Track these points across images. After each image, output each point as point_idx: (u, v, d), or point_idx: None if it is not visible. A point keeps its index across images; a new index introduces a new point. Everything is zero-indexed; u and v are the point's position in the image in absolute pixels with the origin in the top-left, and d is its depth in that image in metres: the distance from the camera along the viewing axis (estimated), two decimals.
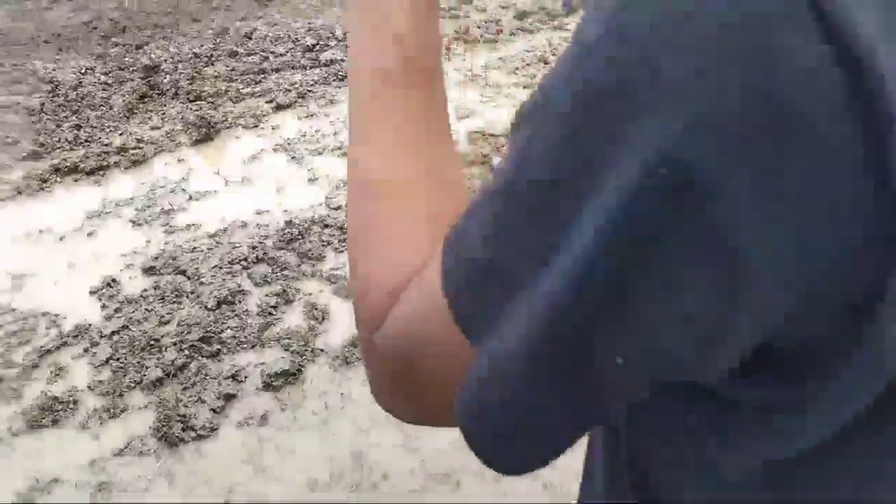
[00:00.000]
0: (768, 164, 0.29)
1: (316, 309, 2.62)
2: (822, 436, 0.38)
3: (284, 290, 2.70)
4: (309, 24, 5.04)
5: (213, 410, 2.27)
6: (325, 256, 2.86)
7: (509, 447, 0.42)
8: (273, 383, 2.35)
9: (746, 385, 0.37)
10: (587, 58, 0.33)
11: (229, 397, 2.31)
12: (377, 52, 0.52)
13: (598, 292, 0.34)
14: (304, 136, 3.73)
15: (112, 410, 2.28)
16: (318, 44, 4.76)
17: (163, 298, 2.72)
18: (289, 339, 2.51)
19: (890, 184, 0.29)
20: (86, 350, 2.52)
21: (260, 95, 4.15)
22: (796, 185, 0.30)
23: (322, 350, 2.47)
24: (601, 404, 0.39)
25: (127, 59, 4.89)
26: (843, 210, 0.30)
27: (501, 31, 4.92)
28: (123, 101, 4.31)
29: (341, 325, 2.55)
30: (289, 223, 3.05)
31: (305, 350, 2.46)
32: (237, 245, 2.94)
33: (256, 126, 3.85)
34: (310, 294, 2.70)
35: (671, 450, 0.46)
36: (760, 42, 0.29)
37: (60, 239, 3.13)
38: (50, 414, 2.27)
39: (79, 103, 4.36)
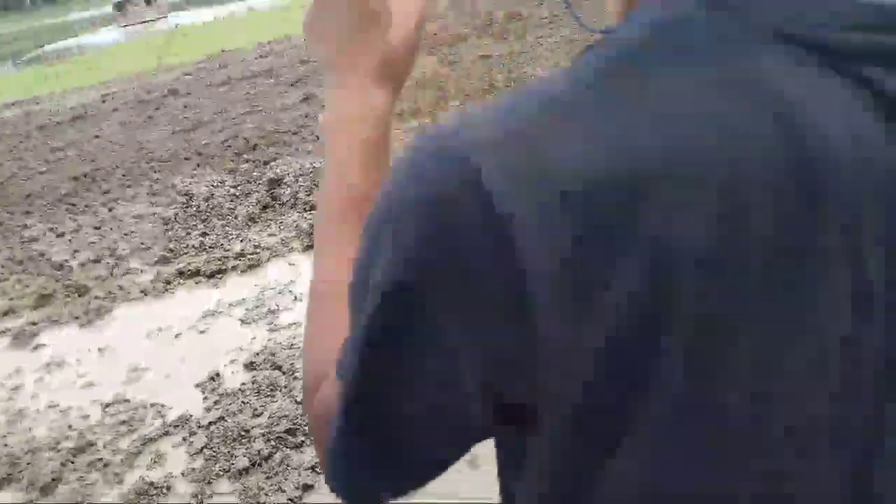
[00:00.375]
0: (453, 285, 0.41)
1: None
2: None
3: None
4: None
5: (291, 500, 2.37)
6: None
7: (352, 488, 0.53)
8: None
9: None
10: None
11: (307, 487, 2.41)
12: (333, 190, 0.64)
13: (373, 371, 0.46)
14: None
15: (199, 497, 2.43)
16: None
17: (258, 392, 2.90)
18: None
19: (528, 319, 0.40)
20: (184, 439, 2.71)
21: None
22: (474, 299, 0.41)
23: None
24: (420, 448, 0.49)
25: (255, 173, 5.34)
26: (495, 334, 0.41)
27: None
28: (247, 211, 4.69)
29: None
30: None
31: None
32: None
33: None
34: None
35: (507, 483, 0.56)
36: (447, 221, 0.41)
37: (176, 336, 3.41)
38: (145, 498, 2.45)
39: (208, 213, 4.78)
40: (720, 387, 0.41)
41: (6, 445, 2.80)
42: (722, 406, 0.41)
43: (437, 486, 0.56)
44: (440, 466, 0.52)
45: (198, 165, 5.78)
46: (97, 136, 7.23)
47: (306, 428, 2.65)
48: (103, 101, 8.85)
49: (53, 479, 2.57)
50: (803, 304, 0.40)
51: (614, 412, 0.42)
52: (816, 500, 0.45)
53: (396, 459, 0.50)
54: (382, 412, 0.47)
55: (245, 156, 5.78)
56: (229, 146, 6.09)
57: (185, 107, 7.81)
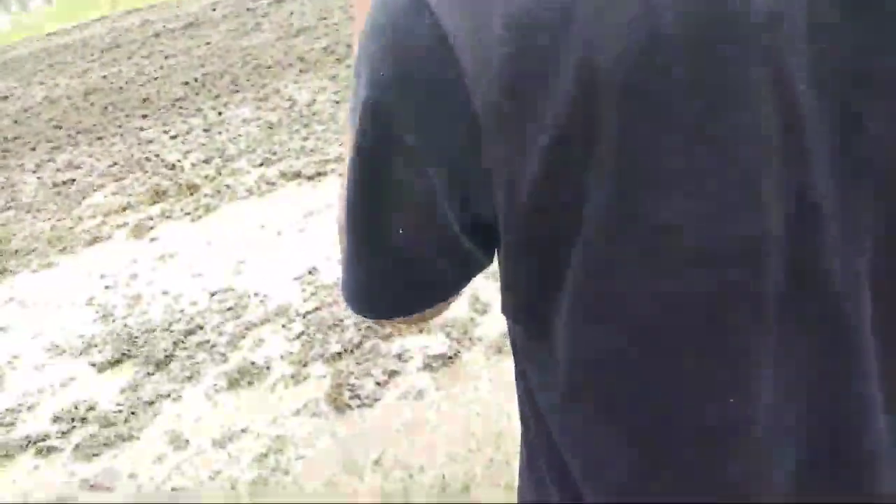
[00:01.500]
0: (415, 103, 0.47)
1: (479, 301, 2.81)
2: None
3: None
4: None
5: (378, 383, 2.53)
6: None
7: (366, 303, 0.60)
8: (432, 364, 2.57)
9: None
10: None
11: (393, 373, 2.56)
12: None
13: (361, 182, 0.52)
14: None
15: (296, 377, 2.62)
16: None
17: None
18: (451, 326, 2.72)
19: (477, 133, 0.46)
20: (283, 326, 2.91)
21: None
22: (429, 113, 0.47)
23: (479, 339, 2.65)
24: (416, 266, 0.56)
25: None
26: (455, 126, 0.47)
27: None
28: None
29: (500, 317, 2.72)
30: None
31: (464, 337, 2.66)
32: None
33: None
34: (476, 287, 2.90)
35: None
36: (402, 43, 0.47)
37: (278, 233, 3.60)
38: (247, 376, 2.66)
39: (310, 118, 4.92)
40: (647, 201, 0.45)
41: (126, 326, 3.07)
42: (650, 218, 0.45)
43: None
44: (438, 286, 0.58)
45: (301, 71, 5.91)
46: (207, 43, 7.45)
47: None
48: (213, 10, 9.07)
49: (166, 356, 2.82)
50: (726, 128, 0.43)
51: (559, 224, 0.47)
52: (745, 307, 0.49)
53: (398, 279, 0.57)
54: (379, 229, 0.53)
55: (346, 62, 5.87)
56: (331, 52, 6.18)
57: (291, 13, 7.92)
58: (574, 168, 0.45)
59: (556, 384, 0.57)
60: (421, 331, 2.74)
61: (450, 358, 2.59)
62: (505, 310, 0.58)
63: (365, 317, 0.61)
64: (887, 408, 0.56)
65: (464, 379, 2.50)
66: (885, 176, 0.46)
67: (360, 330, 2.77)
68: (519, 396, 0.68)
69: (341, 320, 2.85)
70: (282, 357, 2.74)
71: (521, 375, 0.65)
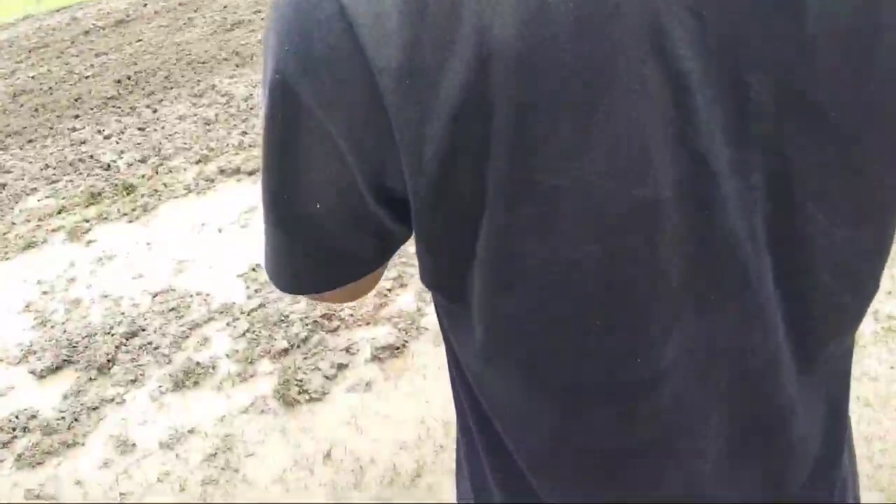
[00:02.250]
0: (318, 77, 0.48)
1: (426, 291, 2.82)
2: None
3: (400, 275, 2.93)
4: None
5: (326, 377, 2.52)
6: None
7: (289, 279, 0.61)
8: (380, 356, 2.57)
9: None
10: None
11: (341, 366, 2.56)
12: None
13: (273, 155, 0.53)
14: None
15: (243, 375, 2.60)
16: None
17: None
18: (399, 317, 2.73)
19: (382, 107, 0.47)
20: (228, 324, 2.88)
21: None
22: (333, 88, 0.48)
23: (426, 328, 2.66)
24: (335, 240, 0.57)
25: None
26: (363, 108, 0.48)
27: None
28: None
29: None
30: None
31: (412, 327, 2.67)
32: None
33: None
34: None
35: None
36: (303, 6, 0.48)
37: (219, 230, 3.55)
38: (193, 376, 2.63)
39: (248, 113, 4.85)
40: (541, 168, 0.47)
41: (65, 332, 3.00)
42: (544, 185, 0.47)
43: None
44: (359, 260, 0.59)
45: (237, 66, 5.82)
46: (139, 40, 7.28)
47: (341, 313, 2.79)
48: (144, 5, 8.86)
49: (108, 361, 2.77)
50: (614, 93, 0.45)
51: (465, 194, 0.49)
52: (642, 271, 0.51)
53: (319, 253, 0.58)
54: (296, 204, 0.54)
55: None
56: None
57: (224, 7, 7.79)
58: (474, 139, 0.46)
59: (476, 346, 0.59)
60: (368, 323, 2.75)
61: (397, 348, 2.59)
62: (423, 278, 0.59)
63: (289, 293, 0.62)
64: (794, 360, 0.59)
65: (412, 369, 2.51)
66: (770, 137, 0.48)
67: (306, 325, 2.76)
68: (448, 363, 0.69)
69: (287, 316, 2.84)
70: (227, 355, 2.71)
71: (446, 341, 0.67)
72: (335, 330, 2.74)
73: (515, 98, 0.45)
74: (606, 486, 0.63)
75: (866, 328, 2.32)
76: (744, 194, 0.50)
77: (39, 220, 3.98)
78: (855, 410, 2.06)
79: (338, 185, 0.52)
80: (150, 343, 2.84)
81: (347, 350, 2.63)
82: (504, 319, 0.55)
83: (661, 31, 0.44)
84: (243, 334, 2.80)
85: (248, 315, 2.90)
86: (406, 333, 2.65)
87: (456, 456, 0.78)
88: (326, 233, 0.56)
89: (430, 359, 2.53)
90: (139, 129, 4.97)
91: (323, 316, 2.79)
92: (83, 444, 2.44)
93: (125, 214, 3.85)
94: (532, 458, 0.64)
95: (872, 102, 0.48)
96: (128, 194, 4.06)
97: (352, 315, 2.78)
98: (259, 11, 7.28)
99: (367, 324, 2.75)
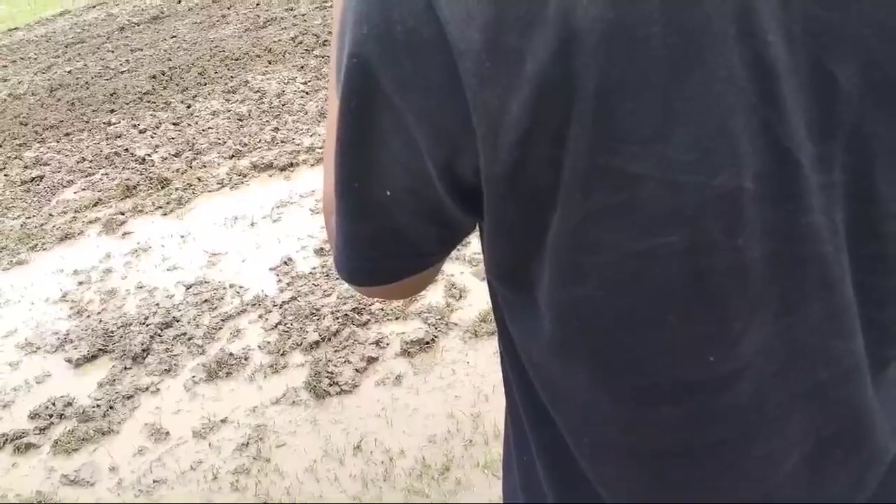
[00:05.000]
0: (397, 60, 0.48)
1: (455, 287, 2.84)
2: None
3: None
4: None
5: (357, 370, 2.55)
6: (469, 242, 3.08)
7: (353, 269, 0.61)
8: (409, 350, 2.59)
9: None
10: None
11: (371, 360, 2.59)
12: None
13: (347, 141, 0.53)
14: None
15: (275, 366, 2.64)
16: None
17: (327, 275, 3.06)
18: (428, 312, 2.75)
19: (460, 90, 0.46)
20: (260, 316, 2.91)
21: None
22: (413, 72, 0.48)
23: (456, 324, 2.68)
24: (402, 229, 0.57)
25: (324, 69, 5.40)
26: (444, 97, 0.48)
27: None
28: (317, 106, 4.79)
29: (476, 302, 2.75)
30: None
31: (441, 323, 2.69)
32: None
33: None
34: (452, 274, 2.93)
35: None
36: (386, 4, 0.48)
37: (251, 224, 3.60)
38: (226, 367, 2.67)
39: (280, 109, 4.90)
40: (622, 154, 0.46)
41: (101, 321, 3.06)
42: (625, 171, 0.46)
43: None
44: (423, 251, 0.59)
45: (269, 62, 5.88)
46: (174, 36, 7.38)
47: (371, 307, 2.81)
48: (178, 2, 8.97)
49: (143, 350, 2.82)
50: (700, 77, 0.44)
51: (540, 181, 0.48)
52: (722, 263, 0.49)
53: (387, 243, 0.58)
54: (367, 191, 0.54)
55: (315, 52, 5.85)
56: (299, 42, 6.16)
57: (257, 5, 7.86)
58: (554, 123, 0.45)
59: (542, 339, 0.57)
60: (397, 318, 2.77)
61: (427, 343, 2.61)
62: (489, 270, 0.59)
63: (354, 284, 0.62)
64: (871, 363, 0.56)
65: (441, 363, 2.53)
66: (853, 130, 0.47)
67: (337, 318, 2.79)
68: (502, 356, 0.68)
69: (318, 309, 2.87)
70: (259, 347, 2.75)
71: (503, 335, 0.65)
72: (365, 324, 2.77)
73: (598, 80, 0.43)
74: (671, 487, 0.61)
75: None
76: (826, 190, 0.48)
77: (76, 212, 4.06)
78: None
79: (410, 173, 0.52)
80: (184, 334, 2.88)
81: (377, 344, 2.65)
82: (575, 311, 0.54)
83: (749, 15, 0.43)
84: (275, 327, 2.84)
85: (280, 308, 2.93)
86: (435, 328, 2.67)
87: (503, 454, 0.77)
88: (395, 221, 0.56)
89: (459, 354, 2.55)
90: (173, 123, 5.04)
91: (353, 310, 2.82)
92: (118, 432, 2.48)
93: (160, 207, 3.91)
94: (596, 453, 0.62)
95: None
96: (162, 188, 4.13)
97: (381, 309, 2.81)
98: (291, 9, 7.34)
99: (397, 318, 2.77)
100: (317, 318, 2.83)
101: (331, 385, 2.50)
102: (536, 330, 0.58)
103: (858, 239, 0.51)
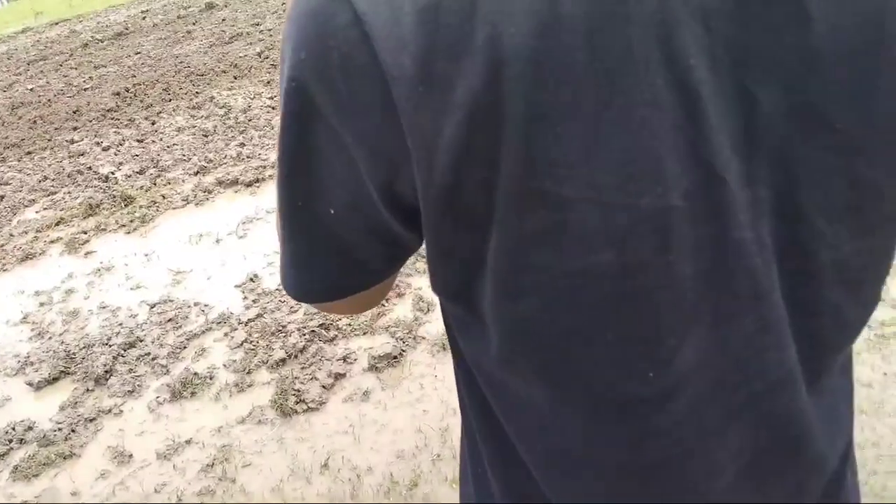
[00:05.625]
0: (333, 84, 0.48)
1: (422, 301, 2.83)
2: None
3: (397, 285, 2.93)
4: None
5: (324, 387, 2.52)
6: None
7: (301, 287, 0.61)
8: (377, 365, 2.57)
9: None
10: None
11: (339, 376, 2.56)
12: None
13: (289, 161, 0.54)
14: None
15: (240, 385, 2.60)
16: None
17: None
18: (396, 327, 2.73)
19: (395, 114, 0.47)
20: (226, 334, 2.88)
21: None
22: (348, 95, 0.48)
23: (423, 337, 2.67)
24: (348, 247, 0.57)
25: None
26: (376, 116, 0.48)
27: None
28: None
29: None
30: None
31: (409, 336, 2.67)
32: None
33: None
34: (420, 288, 2.91)
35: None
36: (319, 14, 0.48)
37: (217, 241, 3.56)
38: (190, 387, 2.63)
39: (246, 125, 4.87)
40: (552, 177, 0.47)
41: (63, 343, 3.00)
42: (555, 194, 0.47)
43: None
44: (371, 268, 0.59)
45: (235, 78, 5.84)
46: (138, 53, 7.32)
47: (339, 323, 2.79)
48: (143, 18, 8.90)
49: (106, 372, 2.77)
50: (625, 102, 0.45)
51: (476, 203, 0.49)
52: (655, 282, 0.51)
53: (332, 260, 0.58)
54: (310, 210, 0.55)
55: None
56: (265, 58, 6.13)
57: (223, 20, 7.82)
58: (486, 147, 0.46)
59: (491, 355, 0.58)
60: (365, 333, 2.75)
61: (395, 357, 2.59)
62: (434, 287, 0.59)
63: (302, 301, 0.62)
64: (804, 374, 0.58)
65: (409, 377, 2.52)
66: (777, 150, 0.48)
67: (303, 335, 2.76)
68: (455, 368, 0.69)
69: (284, 326, 2.84)
70: (225, 366, 2.71)
71: (455, 350, 0.66)
72: (332, 340, 2.75)
73: (526, 106, 0.45)
74: (620, 500, 0.62)
75: (862, 336, 2.32)
76: (753, 206, 0.49)
77: (38, 231, 3.99)
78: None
79: (351, 192, 0.53)
80: (147, 354, 2.84)
81: (345, 360, 2.63)
82: (519, 329, 0.55)
83: (671, 40, 0.45)
84: (241, 345, 2.80)
85: (246, 325, 2.90)
86: (403, 343, 2.65)
87: (460, 466, 0.78)
88: (340, 239, 0.56)
89: (427, 368, 2.53)
90: (138, 140, 4.99)
91: (320, 326, 2.79)
92: (80, 456, 2.43)
93: (123, 226, 3.86)
94: (548, 466, 0.63)
95: (878, 114, 0.48)
96: (126, 206, 4.07)
97: (349, 325, 2.79)
98: (257, 24, 7.32)
99: (365, 333, 2.75)
100: (283, 334, 2.80)
101: (297, 403, 2.47)
102: (485, 345, 0.58)
103: (786, 253, 0.52)
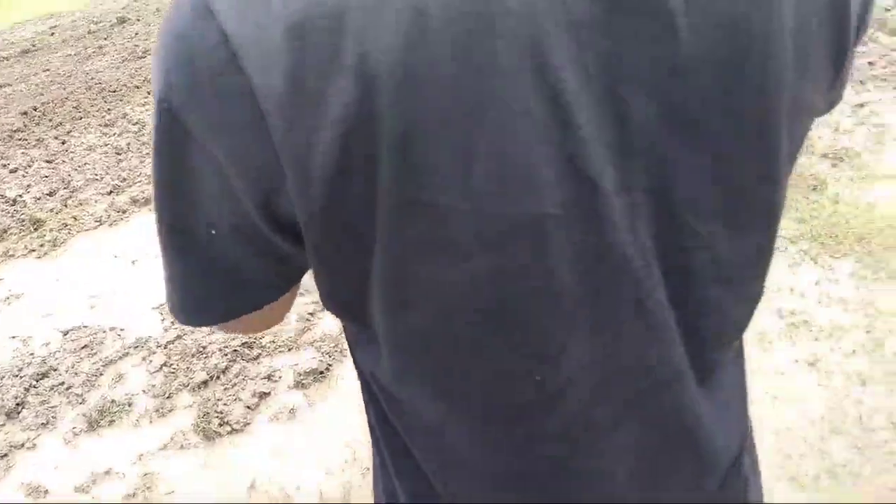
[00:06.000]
0: (204, 105, 0.48)
1: None
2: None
3: None
4: None
5: (248, 407, 2.47)
6: None
7: (189, 311, 0.59)
8: (303, 381, 2.53)
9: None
10: None
11: (263, 395, 2.51)
12: None
13: (164, 184, 0.53)
14: None
15: (161, 410, 2.52)
16: None
17: None
18: (322, 341, 2.69)
19: (266, 132, 0.46)
20: (144, 358, 2.79)
21: None
22: (219, 116, 0.47)
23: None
24: (234, 268, 0.56)
25: None
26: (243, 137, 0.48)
27: None
28: None
29: None
30: None
31: (335, 350, 2.64)
32: None
33: None
34: None
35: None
36: (188, 35, 0.47)
37: (132, 262, 3.45)
38: (108, 415, 2.53)
39: None
40: (428, 188, 0.47)
41: None
42: (431, 205, 0.47)
43: None
44: (261, 287, 0.58)
45: (148, 93, 5.69)
46: (46, 70, 7.06)
47: (262, 340, 2.73)
48: (51, 34, 8.60)
49: (17, 405, 2.65)
50: (497, 113, 0.45)
51: (356, 218, 0.49)
52: (535, 287, 0.51)
53: (219, 281, 0.57)
54: (190, 232, 0.53)
55: None
56: None
57: (135, 35, 7.62)
58: (362, 161, 0.46)
59: (384, 367, 0.59)
60: (290, 349, 2.70)
61: (321, 373, 2.56)
62: (324, 302, 0.58)
63: (193, 325, 0.61)
64: (693, 370, 0.60)
65: (336, 392, 2.48)
66: (651, 156, 0.49)
67: (225, 355, 2.69)
68: (360, 386, 0.70)
69: (205, 347, 2.77)
70: (144, 391, 2.63)
71: (355, 361, 0.67)
72: (256, 358, 2.69)
73: (400, 120, 0.45)
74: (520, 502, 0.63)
75: (773, 325, 2.39)
76: (630, 211, 0.50)
77: None
78: (763, 403, 2.12)
79: (231, 212, 0.51)
80: (61, 383, 2.73)
81: (269, 378, 2.58)
82: (408, 341, 0.56)
83: (540, 50, 0.45)
84: (160, 368, 2.72)
85: (165, 348, 2.82)
86: (330, 357, 2.61)
87: (372, 468, 0.79)
88: (225, 259, 0.55)
89: (354, 381, 2.49)
90: (47, 161, 4.81)
91: (243, 345, 2.73)
92: None
93: (33, 251, 3.71)
94: (446, 471, 0.64)
95: (743, 118, 0.50)
96: (35, 229, 3.92)
97: (273, 342, 2.73)
98: None
99: (290, 349, 2.70)
100: (204, 356, 2.73)
101: (221, 425, 2.41)
102: (378, 359, 0.59)
103: (666, 254, 0.53)
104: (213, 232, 0.53)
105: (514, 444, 0.60)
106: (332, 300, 0.58)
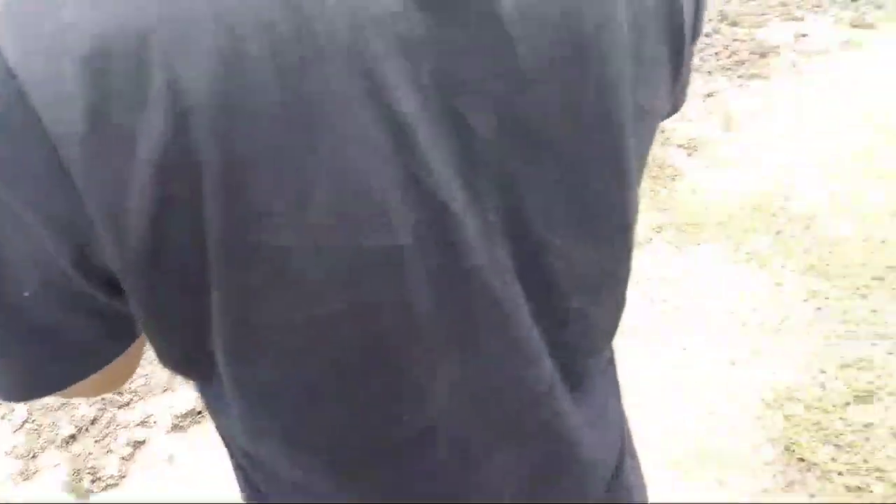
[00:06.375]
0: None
1: None
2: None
3: None
4: None
5: (123, 458, 2.33)
6: None
7: (12, 388, 0.52)
8: (181, 424, 2.41)
9: None
10: None
11: (138, 444, 2.37)
12: None
13: None
14: None
15: (25, 473, 2.34)
16: None
17: None
18: None
19: (71, 183, 0.41)
20: (3, 416, 2.58)
21: None
22: (13, 166, 0.41)
23: None
24: (61, 333, 0.49)
25: None
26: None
27: None
28: None
29: None
30: None
31: None
32: None
33: None
34: None
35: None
36: None
37: None
38: None
39: None
40: (264, 228, 0.43)
41: None
42: (270, 245, 0.43)
43: None
44: (91, 351, 0.52)
45: None
46: None
47: (132, 385, 2.59)
48: None
49: None
50: (331, 141, 0.42)
51: (186, 261, 0.44)
52: (394, 321, 0.49)
53: (40, 348, 0.50)
54: (2, 295, 0.47)
55: None
56: None
57: None
58: (186, 201, 0.42)
59: (235, 422, 0.55)
60: (164, 391, 2.57)
61: (200, 413, 2.44)
62: (160, 360, 0.53)
63: (17, 400, 0.53)
64: (564, 384, 0.59)
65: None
66: (498, 173, 0.47)
67: (93, 404, 2.53)
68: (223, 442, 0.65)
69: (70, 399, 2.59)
70: (6, 453, 2.43)
71: (216, 426, 0.63)
72: (128, 404, 2.54)
73: (222, 155, 0.40)
74: None
75: (645, 316, 2.46)
76: (484, 232, 0.49)
77: None
78: (648, 396, 2.18)
79: (42, 270, 0.45)
80: None
81: (143, 424, 2.44)
82: (257, 393, 0.52)
83: (373, 75, 0.42)
84: (21, 426, 2.53)
85: (26, 403, 2.62)
86: None
87: None
88: (44, 323, 0.48)
89: None
90: None
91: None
92: None
93: None
94: None
95: (588, 127, 0.49)
96: None
97: (145, 384, 2.59)
98: None
99: (165, 391, 2.56)
100: (69, 407, 2.55)
101: (94, 482, 2.26)
102: (229, 413, 0.55)
103: (526, 270, 0.52)
104: (26, 294, 0.47)
105: (389, 488, 0.58)
106: (168, 357, 0.52)
